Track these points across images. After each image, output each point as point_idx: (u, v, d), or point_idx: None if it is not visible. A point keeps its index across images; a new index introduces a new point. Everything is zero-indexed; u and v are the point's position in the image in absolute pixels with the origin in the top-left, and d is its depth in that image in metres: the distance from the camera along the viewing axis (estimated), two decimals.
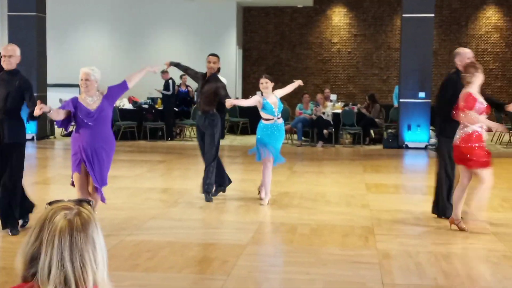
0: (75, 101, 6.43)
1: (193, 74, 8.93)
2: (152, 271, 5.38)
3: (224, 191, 8.87)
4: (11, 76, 6.70)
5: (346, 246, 6.28)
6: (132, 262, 5.60)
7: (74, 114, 6.41)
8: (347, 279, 5.24)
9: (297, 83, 8.66)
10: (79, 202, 1.84)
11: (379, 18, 22.38)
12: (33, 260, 1.76)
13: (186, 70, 9.16)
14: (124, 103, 16.85)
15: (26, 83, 6.75)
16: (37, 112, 5.98)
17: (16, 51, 6.77)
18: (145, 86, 18.75)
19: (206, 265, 5.58)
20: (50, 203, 1.82)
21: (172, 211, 7.85)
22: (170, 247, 6.10)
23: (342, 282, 5.14)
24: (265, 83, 8.30)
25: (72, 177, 6.48)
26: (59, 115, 6.33)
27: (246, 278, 5.21)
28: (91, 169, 6.29)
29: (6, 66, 6.70)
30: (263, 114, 8.40)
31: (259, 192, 8.48)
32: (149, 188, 9.38)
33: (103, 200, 6.44)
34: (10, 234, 6.54)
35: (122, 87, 6.68)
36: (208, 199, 8.42)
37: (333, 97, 17.91)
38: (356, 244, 6.37)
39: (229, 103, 8.06)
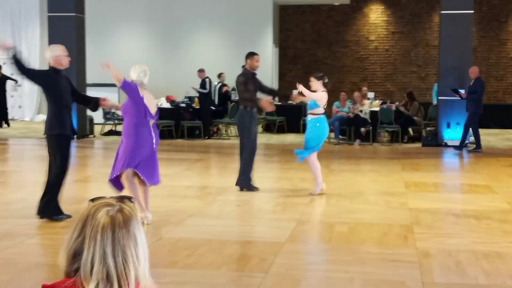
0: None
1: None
2: (191, 268, 5.41)
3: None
4: (62, 74, 7.21)
5: (384, 245, 6.22)
6: (171, 259, 5.64)
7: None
8: (386, 277, 5.19)
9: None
10: (121, 199, 1.86)
11: (417, 15, 22.13)
12: (76, 256, 1.78)
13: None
14: (162, 102, 16.98)
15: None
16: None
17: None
18: (183, 85, 18.91)
19: (244, 263, 5.59)
20: (92, 200, 1.85)
21: (210, 209, 7.88)
22: (208, 245, 6.13)
23: (381, 281, 5.10)
24: (311, 81, 8.79)
25: None
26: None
27: (284, 276, 5.20)
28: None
29: (67, 64, 7.28)
30: (318, 110, 8.77)
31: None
32: (187, 186, 9.43)
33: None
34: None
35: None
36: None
37: (371, 95, 17.78)
38: (395, 242, 6.32)
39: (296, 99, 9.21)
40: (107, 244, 1.75)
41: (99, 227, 1.76)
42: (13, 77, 19.35)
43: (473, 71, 13.99)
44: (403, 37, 22.24)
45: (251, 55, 8.96)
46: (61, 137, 7.04)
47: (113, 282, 1.74)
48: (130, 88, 6.79)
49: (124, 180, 6.90)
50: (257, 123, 9.21)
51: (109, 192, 7.80)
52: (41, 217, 7.01)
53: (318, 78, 8.72)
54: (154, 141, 6.94)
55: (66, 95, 7.09)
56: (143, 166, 6.87)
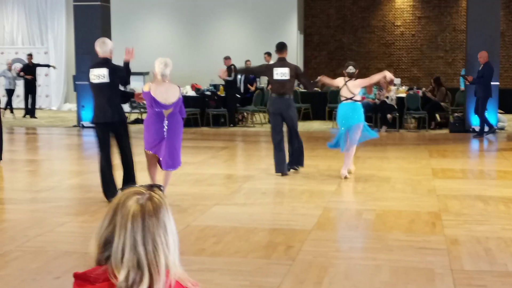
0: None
1: (259, 69, 9.80)
2: (218, 255, 5.44)
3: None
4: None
5: (412, 232, 6.19)
6: (199, 247, 5.67)
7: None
8: (414, 265, 5.16)
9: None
10: (151, 187, 1.86)
11: None
12: (106, 244, 1.79)
13: (249, 70, 10.18)
14: (187, 90, 17.01)
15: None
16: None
17: None
18: (208, 73, 18.94)
19: (271, 250, 5.59)
20: (122, 189, 1.85)
21: (236, 197, 7.90)
22: (235, 232, 6.15)
23: (409, 268, 5.07)
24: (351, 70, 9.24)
25: None
26: None
27: (312, 263, 5.20)
28: None
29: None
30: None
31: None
32: (213, 174, 9.46)
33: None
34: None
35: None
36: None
37: (397, 81, 17.63)
38: (423, 230, 6.27)
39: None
40: (137, 232, 1.76)
41: (129, 215, 1.77)
42: (47, 64, 19.70)
43: (482, 56, 13.92)
44: (430, 22, 21.98)
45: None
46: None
47: (143, 270, 1.75)
48: None
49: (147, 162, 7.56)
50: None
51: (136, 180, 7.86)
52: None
53: (355, 67, 9.20)
54: (164, 129, 7.30)
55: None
56: (158, 151, 7.34)
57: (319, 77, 9.58)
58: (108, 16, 16.70)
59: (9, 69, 19.31)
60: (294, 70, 9.27)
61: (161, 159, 7.40)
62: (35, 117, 19.05)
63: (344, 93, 9.10)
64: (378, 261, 5.25)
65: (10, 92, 19.40)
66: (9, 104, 19.34)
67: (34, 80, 19.40)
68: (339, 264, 5.29)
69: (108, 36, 16.64)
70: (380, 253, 5.48)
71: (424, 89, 16.97)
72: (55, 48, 22.05)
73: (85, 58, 15.86)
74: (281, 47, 9.36)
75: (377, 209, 7.14)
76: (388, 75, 8.99)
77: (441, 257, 5.34)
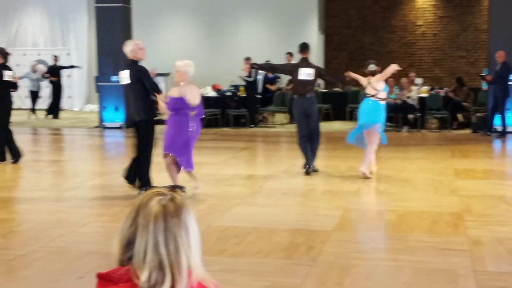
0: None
1: (285, 68, 10.07)
2: (239, 256, 5.44)
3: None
4: (136, 66, 7.83)
5: (434, 233, 6.14)
6: (220, 247, 5.68)
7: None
8: (436, 266, 5.13)
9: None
10: (173, 188, 1.87)
11: None
12: (129, 244, 1.80)
13: (274, 67, 10.21)
14: (207, 91, 17.05)
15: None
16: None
17: None
18: (228, 74, 18.96)
19: (292, 251, 5.59)
20: (145, 189, 1.87)
21: (257, 197, 7.90)
22: (256, 233, 6.15)
23: (431, 269, 5.04)
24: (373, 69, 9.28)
25: None
26: None
27: (333, 264, 5.19)
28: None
29: (143, 56, 7.94)
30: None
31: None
32: (234, 175, 9.47)
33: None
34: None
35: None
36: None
37: (419, 80, 17.51)
38: (445, 230, 6.23)
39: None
40: (159, 232, 1.77)
41: (151, 216, 1.78)
42: (71, 65, 19.83)
43: (500, 55, 13.84)
44: (452, 22, 21.81)
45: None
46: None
47: (165, 270, 1.76)
48: None
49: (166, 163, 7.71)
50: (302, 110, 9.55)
51: (156, 180, 7.90)
52: None
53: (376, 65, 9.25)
54: (191, 130, 7.52)
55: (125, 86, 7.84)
56: (179, 152, 7.54)
57: (345, 73, 9.61)
58: (129, 18, 16.81)
59: (34, 71, 19.41)
60: (318, 70, 9.44)
61: (180, 159, 7.53)
62: (58, 118, 19.21)
63: (368, 90, 9.20)
64: (400, 262, 5.22)
65: (34, 94, 19.52)
66: (32, 106, 19.48)
67: (59, 81, 19.52)
68: (360, 265, 5.26)
69: (129, 37, 16.75)
70: (402, 254, 5.45)
71: (446, 89, 16.83)
72: (77, 50, 22.22)
73: (107, 59, 16.00)
74: (305, 47, 9.49)
75: (399, 209, 7.10)
76: (394, 66, 8.97)
77: (464, 258, 5.30)
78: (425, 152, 11.91)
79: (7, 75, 10.35)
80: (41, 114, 19.59)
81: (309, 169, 9.29)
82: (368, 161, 9.09)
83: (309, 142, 9.41)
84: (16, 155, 10.39)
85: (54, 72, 19.44)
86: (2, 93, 10.28)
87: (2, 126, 10.32)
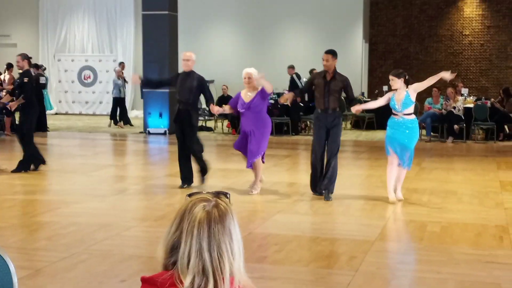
0: (238, 96, 8.59)
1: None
2: (280, 264, 5.44)
3: None
4: (188, 76, 8.66)
5: (479, 246, 6.04)
6: (261, 254, 5.69)
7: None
8: (480, 279, 5.04)
9: (440, 75, 8.17)
10: (217, 194, 1.89)
11: None
12: (173, 249, 1.82)
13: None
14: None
15: (203, 80, 8.79)
16: (214, 111, 8.64)
17: (192, 56, 8.78)
18: (272, 82, 18.95)
19: (333, 260, 5.56)
20: (190, 195, 1.89)
21: (298, 205, 7.89)
22: (297, 241, 6.14)
23: (475, 283, 4.96)
24: (391, 80, 8.10)
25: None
26: (231, 110, 8.88)
27: (375, 275, 5.15)
28: (239, 147, 8.57)
29: (185, 68, 8.70)
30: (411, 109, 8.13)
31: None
32: (276, 182, 9.47)
33: (249, 166, 8.51)
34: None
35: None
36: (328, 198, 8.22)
37: (465, 91, 17.26)
38: (489, 243, 6.12)
39: (355, 109, 8.28)
40: (203, 238, 1.79)
41: (196, 222, 1.80)
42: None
43: None
44: (500, 32, 21.45)
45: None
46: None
47: (208, 276, 1.78)
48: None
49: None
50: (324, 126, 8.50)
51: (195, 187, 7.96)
52: None
53: (398, 76, 8.03)
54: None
55: (182, 92, 8.66)
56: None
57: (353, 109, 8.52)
58: (176, 25, 16.99)
59: (119, 77, 18.75)
60: None
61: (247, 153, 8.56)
62: (132, 125, 18.83)
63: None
64: (443, 275, 5.15)
65: (118, 101, 18.74)
66: (113, 114, 18.69)
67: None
68: (402, 276, 5.21)
69: (175, 44, 16.95)
70: (446, 266, 5.38)
71: (492, 99, 16.56)
72: (124, 56, 22.55)
73: (153, 66, 16.17)
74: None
75: (443, 221, 7.01)
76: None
77: (508, 271, 5.21)
78: (470, 163, 11.73)
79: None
80: (103, 121, 19.80)
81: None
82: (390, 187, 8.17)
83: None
84: (33, 163, 10.28)
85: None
86: (39, 98, 10.35)
87: (31, 130, 10.27)
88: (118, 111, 18.70)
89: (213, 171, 9.27)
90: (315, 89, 8.42)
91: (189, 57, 8.71)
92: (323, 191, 8.26)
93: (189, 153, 8.79)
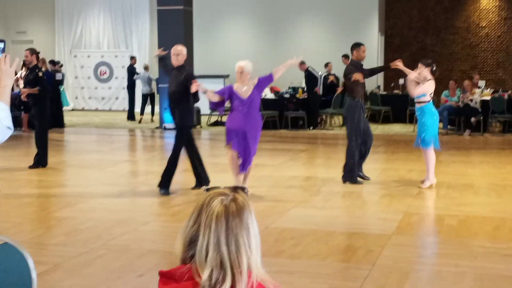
0: (230, 89, 7.79)
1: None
2: (297, 258, 5.44)
3: None
4: (179, 71, 8.01)
5: (497, 239, 6.00)
6: (277, 249, 5.69)
7: (228, 100, 7.76)
8: (499, 272, 5.01)
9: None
10: (235, 189, 1.89)
11: None
12: (191, 243, 1.83)
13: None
14: (266, 93, 17.08)
15: (190, 75, 8.07)
16: (193, 88, 7.62)
17: (183, 50, 8.06)
18: (287, 76, 18.93)
19: (350, 254, 5.55)
20: (207, 190, 1.89)
21: (315, 199, 7.88)
22: (314, 235, 6.13)
23: (493, 276, 4.92)
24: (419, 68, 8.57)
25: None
26: (214, 98, 7.77)
27: (392, 269, 5.13)
28: (239, 148, 7.72)
29: (175, 63, 8.03)
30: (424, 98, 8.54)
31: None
32: (292, 177, 9.47)
33: (244, 170, 7.84)
34: (161, 194, 8.05)
35: (268, 79, 7.84)
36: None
37: (482, 83, 17.13)
38: (508, 236, 6.08)
39: (394, 64, 9.04)
40: (221, 232, 1.79)
41: (214, 216, 1.81)
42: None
43: None
44: None
45: (357, 46, 8.89)
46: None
47: (226, 269, 1.78)
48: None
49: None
50: (364, 113, 9.15)
51: (214, 182, 7.97)
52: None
53: (427, 65, 8.43)
54: None
55: (171, 88, 8.11)
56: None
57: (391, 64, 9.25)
58: (191, 20, 16.99)
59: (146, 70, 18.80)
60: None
61: (241, 155, 7.93)
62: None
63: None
64: (462, 268, 5.12)
65: (146, 98, 18.79)
66: (142, 110, 18.74)
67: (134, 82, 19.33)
68: (420, 270, 5.19)
69: (190, 39, 16.95)
70: (464, 259, 5.35)
71: (510, 91, 16.42)
72: (139, 52, 22.61)
73: (168, 61, 16.18)
74: None
75: (460, 214, 6.97)
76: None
77: None
78: (487, 156, 11.65)
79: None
80: (120, 116, 19.90)
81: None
82: (432, 176, 8.57)
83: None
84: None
85: (133, 72, 19.38)
86: (56, 94, 10.34)
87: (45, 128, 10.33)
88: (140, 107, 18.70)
89: (222, 166, 9.27)
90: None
91: (180, 51, 7.99)
92: (361, 172, 8.88)
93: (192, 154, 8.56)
